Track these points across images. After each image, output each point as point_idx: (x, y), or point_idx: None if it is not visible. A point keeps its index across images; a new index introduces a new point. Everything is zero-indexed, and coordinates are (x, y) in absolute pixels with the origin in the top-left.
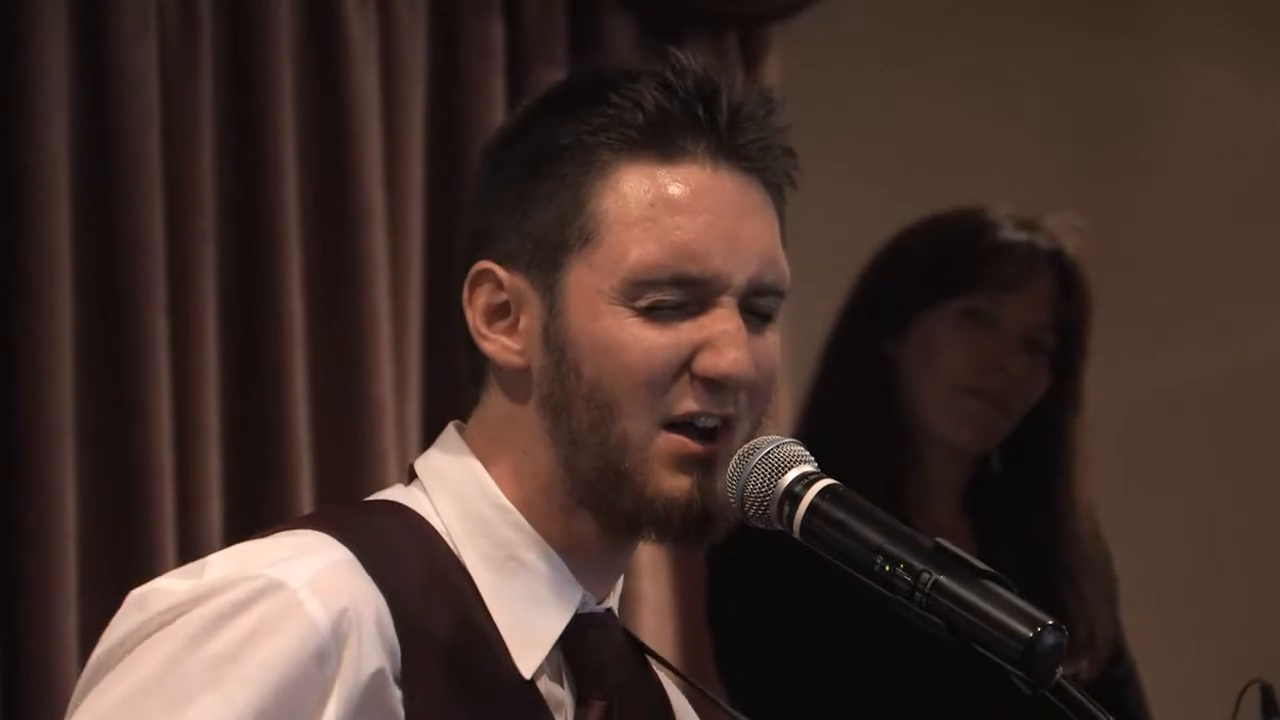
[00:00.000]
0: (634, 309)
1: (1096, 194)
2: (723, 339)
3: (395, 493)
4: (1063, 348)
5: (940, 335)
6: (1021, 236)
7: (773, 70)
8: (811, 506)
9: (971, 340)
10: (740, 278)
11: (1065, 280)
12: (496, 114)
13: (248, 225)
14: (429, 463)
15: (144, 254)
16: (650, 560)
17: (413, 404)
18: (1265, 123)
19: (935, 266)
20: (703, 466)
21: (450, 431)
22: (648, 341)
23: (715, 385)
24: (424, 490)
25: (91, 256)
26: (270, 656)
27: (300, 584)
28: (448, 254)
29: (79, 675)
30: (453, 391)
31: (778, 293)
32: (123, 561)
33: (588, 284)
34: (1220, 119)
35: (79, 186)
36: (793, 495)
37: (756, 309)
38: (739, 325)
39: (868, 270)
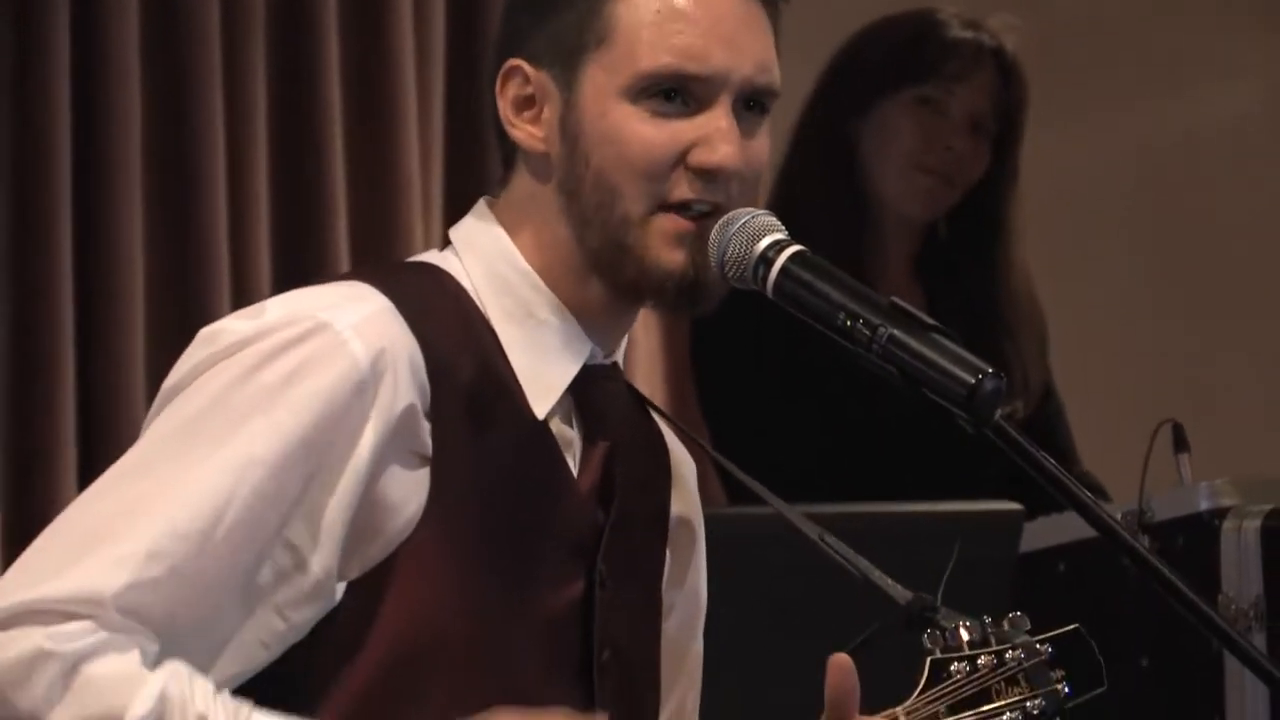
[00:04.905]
0: (638, 106)
1: None
2: (716, 135)
3: (431, 256)
4: (1002, 131)
5: (896, 118)
6: (968, 34)
7: None
8: (783, 269)
9: (923, 123)
10: (736, 77)
11: (1005, 72)
12: None
13: (292, 28)
14: (461, 231)
15: (202, 48)
16: (642, 311)
17: (436, 180)
18: None
19: (893, 59)
20: (695, 242)
21: (481, 205)
22: (647, 137)
23: (708, 175)
24: (456, 255)
25: (156, 55)
26: (316, 387)
27: (345, 326)
28: (468, 45)
29: (147, 408)
30: (471, 170)
31: (772, 92)
32: (183, 315)
33: (599, 82)
34: None
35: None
36: (766, 259)
37: (751, 103)
38: (732, 123)
39: (833, 62)
